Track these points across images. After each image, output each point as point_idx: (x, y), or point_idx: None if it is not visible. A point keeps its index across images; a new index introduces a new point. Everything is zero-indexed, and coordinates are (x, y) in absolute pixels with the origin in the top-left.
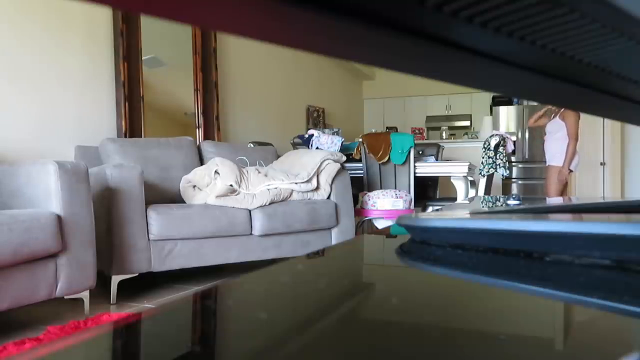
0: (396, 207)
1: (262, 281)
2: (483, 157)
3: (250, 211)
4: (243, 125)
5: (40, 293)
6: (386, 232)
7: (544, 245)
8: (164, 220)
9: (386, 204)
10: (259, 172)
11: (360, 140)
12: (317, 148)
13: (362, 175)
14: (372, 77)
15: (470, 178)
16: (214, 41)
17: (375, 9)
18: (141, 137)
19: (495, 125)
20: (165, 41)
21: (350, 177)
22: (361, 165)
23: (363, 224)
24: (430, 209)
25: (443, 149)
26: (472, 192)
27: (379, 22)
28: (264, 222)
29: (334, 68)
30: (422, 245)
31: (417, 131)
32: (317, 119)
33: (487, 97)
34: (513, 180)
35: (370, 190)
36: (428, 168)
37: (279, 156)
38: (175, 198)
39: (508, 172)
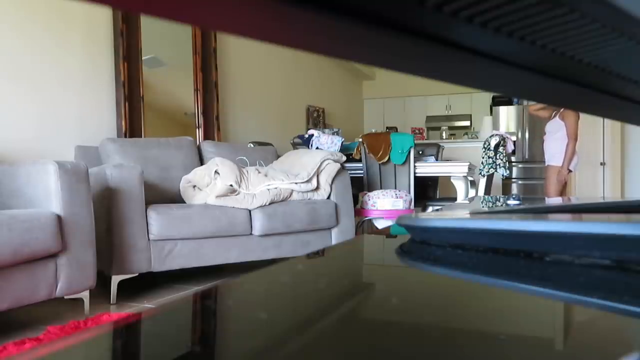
0: (396, 207)
1: (262, 281)
2: (483, 157)
3: (250, 211)
4: (243, 125)
5: (40, 293)
6: (386, 232)
7: (544, 245)
8: (164, 220)
9: (386, 204)
10: (259, 172)
11: (360, 140)
12: (317, 148)
13: (362, 175)
14: (372, 77)
15: (470, 178)
16: (214, 41)
17: (375, 9)
18: (141, 137)
19: (495, 125)
20: (165, 41)
21: (350, 177)
22: (361, 165)
23: (363, 224)
24: (430, 209)
25: (443, 149)
26: (472, 192)
27: (379, 22)
28: (264, 222)
29: (334, 68)
30: (422, 245)
31: (417, 131)
32: (317, 119)
33: (487, 97)
34: (513, 180)
35: (370, 190)
36: (428, 168)
37: (279, 156)
38: (175, 198)
39: (508, 172)
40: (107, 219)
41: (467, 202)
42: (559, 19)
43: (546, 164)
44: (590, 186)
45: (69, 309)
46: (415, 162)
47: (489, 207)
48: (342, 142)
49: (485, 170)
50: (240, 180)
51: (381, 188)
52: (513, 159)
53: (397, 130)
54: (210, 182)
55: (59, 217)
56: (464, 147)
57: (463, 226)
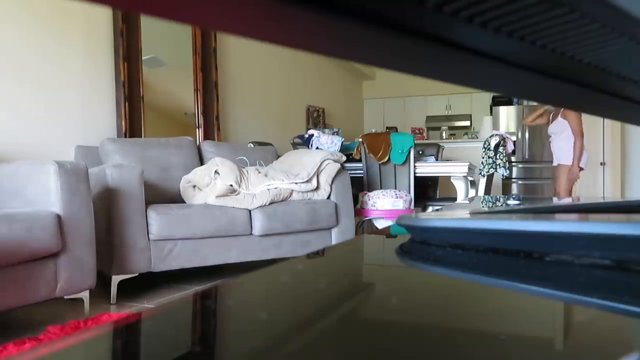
0: (396, 207)
1: (262, 281)
2: (483, 157)
3: (250, 211)
4: (243, 125)
5: (40, 293)
6: (386, 232)
7: (544, 245)
8: (164, 220)
9: (386, 204)
10: (259, 172)
11: (360, 140)
12: (317, 148)
13: (362, 175)
14: (372, 77)
15: (470, 178)
16: (214, 41)
17: (375, 9)
18: (141, 137)
19: (495, 125)
20: (165, 41)
21: (350, 177)
22: (361, 165)
23: (363, 224)
24: (430, 209)
25: (443, 149)
26: (472, 192)
27: (379, 22)
28: (264, 222)
29: (334, 68)
30: (422, 245)
31: (417, 131)
32: (317, 119)
33: (487, 97)
34: (513, 180)
35: (370, 190)
36: (428, 168)
37: (279, 156)
38: (175, 198)
39: (508, 172)
40: (107, 219)
41: (467, 202)
42: (559, 19)
43: (555, 164)
44: (590, 186)
45: (69, 309)
46: (415, 162)
47: (489, 207)
48: (342, 142)
49: (485, 170)
50: (240, 180)
51: (381, 188)
52: (513, 159)
53: (397, 130)
54: (210, 182)
55: (59, 217)
56: (464, 147)
57: (463, 226)
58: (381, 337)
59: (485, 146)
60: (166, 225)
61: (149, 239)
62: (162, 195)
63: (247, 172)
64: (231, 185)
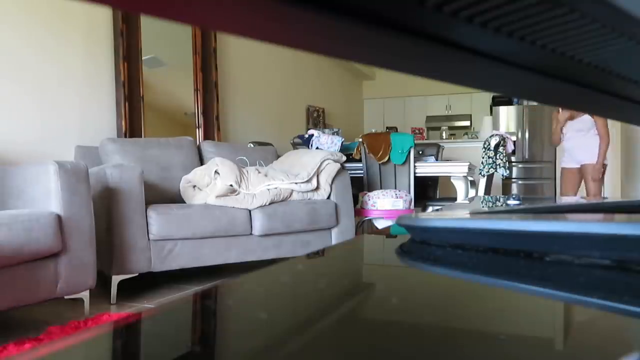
0: (396, 207)
1: (262, 281)
2: (483, 157)
3: (250, 211)
4: (243, 125)
5: (41, 293)
6: (386, 232)
7: (544, 245)
8: (164, 220)
9: (386, 204)
10: (259, 172)
11: (360, 140)
12: (317, 148)
13: (362, 175)
14: (372, 77)
15: (470, 178)
16: (214, 41)
17: (375, 9)
18: (141, 137)
19: (495, 125)
20: (165, 41)
21: (350, 177)
22: (361, 165)
23: (363, 224)
24: (430, 209)
25: (443, 149)
26: (472, 192)
27: (379, 22)
28: (264, 222)
29: (334, 68)
30: (422, 245)
31: (417, 131)
32: (317, 119)
33: (487, 97)
34: (513, 180)
35: (370, 190)
36: (428, 168)
37: (279, 156)
38: (175, 198)
39: (508, 172)
40: (107, 219)
41: (467, 202)
42: (559, 19)
43: (577, 165)
44: None
45: (69, 309)
46: (415, 162)
47: (489, 207)
48: (342, 142)
49: (485, 170)
50: (240, 180)
51: (381, 188)
52: (513, 159)
53: (397, 130)
54: (210, 182)
55: (59, 217)
56: (464, 147)
57: (463, 226)
58: (381, 337)
59: (485, 146)
60: (166, 225)
61: (149, 239)
62: (162, 195)
63: (247, 172)
64: (231, 185)
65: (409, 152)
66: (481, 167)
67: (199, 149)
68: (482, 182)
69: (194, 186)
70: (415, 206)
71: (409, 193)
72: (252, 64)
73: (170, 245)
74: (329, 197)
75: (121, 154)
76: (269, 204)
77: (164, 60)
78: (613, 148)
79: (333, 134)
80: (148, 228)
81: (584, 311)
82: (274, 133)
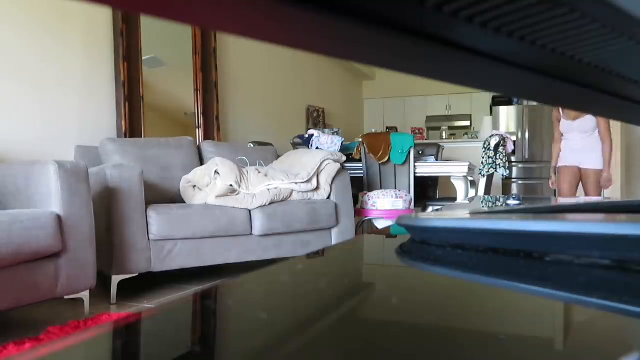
0: (396, 207)
1: (262, 281)
2: (483, 157)
3: (250, 211)
4: (243, 125)
5: (40, 293)
6: (386, 232)
7: (544, 245)
8: (164, 220)
9: (386, 204)
10: (259, 172)
11: (360, 140)
12: (317, 148)
13: (362, 175)
14: (372, 77)
15: (470, 178)
16: (214, 41)
17: (375, 9)
18: (141, 137)
19: (495, 125)
20: (165, 41)
21: (350, 177)
22: (361, 165)
23: (363, 224)
24: (430, 209)
25: (443, 149)
26: (472, 192)
27: (379, 22)
28: (264, 222)
29: (334, 68)
30: (422, 245)
31: (417, 131)
32: (317, 119)
33: (487, 97)
34: (513, 180)
35: (370, 190)
36: (428, 168)
37: (279, 156)
38: (175, 198)
39: (508, 172)
40: (107, 219)
41: (467, 202)
42: (559, 19)
43: (584, 168)
44: None
45: (69, 309)
46: (415, 162)
47: (489, 207)
48: (342, 142)
49: (485, 170)
50: (240, 180)
51: (381, 188)
52: (513, 159)
53: (397, 130)
54: (210, 182)
55: (59, 217)
56: (464, 147)
57: (463, 226)
58: (381, 337)
59: (485, 146)
60: (166, 225)
61: (149, 239)
62: (162, 195)
63: (247, 172)
64: (231, 185)
65: (409, 152)
66: (481, 167)
67: (199, 149)
68: (482, 182)
69: (194, 186)
70: (415, 206)
71: (409, 193)
72: (252, 64)
73: (170, 245)
74: (329, 197)
75: (121, 154)
76: (269, 204)
77: (164, 60)
78: (613, 148)
79: (333, 134)
80: (148, 228)
81: (584, 311)
82: (274, 133)
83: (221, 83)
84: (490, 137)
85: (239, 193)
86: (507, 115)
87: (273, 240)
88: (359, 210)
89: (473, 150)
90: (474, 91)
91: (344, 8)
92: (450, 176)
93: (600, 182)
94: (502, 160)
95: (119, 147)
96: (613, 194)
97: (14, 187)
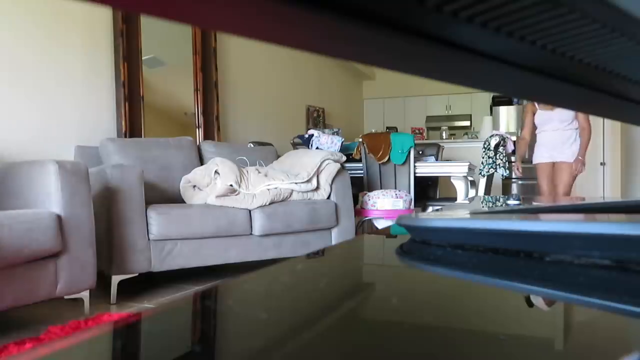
0: (396, 207)
1: (262, 281)
2: (483, 157)
3: (250, 211)
4: (243, 125)
5: (40, 293)
6: (386, 232)
7: (544, 245)
8: (164, 220)
9: (386, 204)
10: (259, 172)
11: (360, 140)
12: (317, 148)
13: (362, 175)
14: (372, 77)
15: (470, 178)
16: (214, 41)
17: (375, 9)
18: (141, 137)
19: (495, 125)
20: (165, 41)
21: (350, 177)
22: (361, 165)
23: (363, 224)
24: (430, 209)
25: (443, 149)
26: (472, 192)
27: (378, 22)
28: (264, 222)
29: (334, 68)
30: (422, 245)
31: (417, 131)
32: (317, 119)
33: (487, 97)
34: (513, 180)
35: (370, 190)
36: (428, 168)
37: (279, 156)
38: (175, 198)
39: (508, 172)
40: (107, 219)
41: (467, 202)
42: (558, 19)
43: (558, 161)
44: (591, 186)
45: (69, 309)
46: (415, 162)
47: (489, 207)
48: (342, 142)
49: (485, 170)
50: (240, 180)
51: (381, 188)
52: (513, 159)
53: (397, 130)
54: (210, 182)
55: (59, 217)
56: (464, 147)
57: (463, 226)
58: (381, 337)
59: (485, 146)
60: (166, 225)
61: (149, 239)
62: (162, 195)
63: (247, 172)
64: (231, 185)
65: (409, 152)
66: (481, 167)
67: (199, 149)
68: (482, 182)
69: (194, 186)
70: (415, 206)
71: (409, 193)
72: (252, 64)
73: (170, 245)
74: (329, 197)
75: (121, 154)
76: (269, 204)
77: (164, 60)
78: (613, 148)
79: (333, 134)
80: (148, 228)
81: (584, 311)
82: (274, 133)
83: (221, 83)
84: (490, 137)
85: (239, 193)
86: (507, 115)
87: (273, 240)
88: (359, 210)
89: (473, 150)
90: (474, 91)
91: (344, 8)
92: (450, 176)
93: (573, 166)
94: (502, 160)
95: (119, 147)
96: (613, 193)
97: (14, 187)
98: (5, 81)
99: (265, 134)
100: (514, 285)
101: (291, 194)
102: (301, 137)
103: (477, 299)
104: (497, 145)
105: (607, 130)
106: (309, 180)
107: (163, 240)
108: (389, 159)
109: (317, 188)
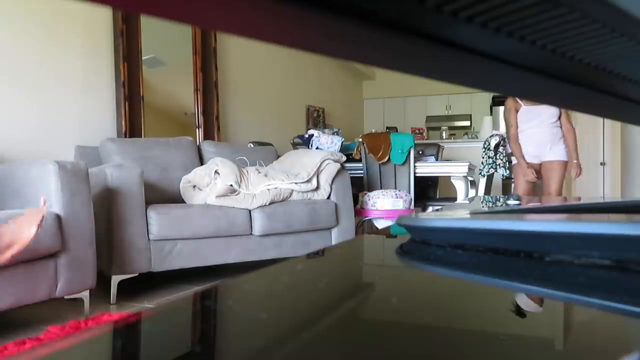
0: (396, 207)
1: (262, 281)
2: (483, 157)
3: (250, 211)
4: (243, 125)
5: (40, 293)
6: (386, 232)
7: (544, 245)
8: (164, 220)
9: (386, 204)
10: (259, 172)
11: (360, 140)
12: (317, 148)
13: (362, 175)
14: (372, 77)
15: (470, 178)
16: (214, 41)
17: (374, 9)
18: (141, 137)
19: (495, 125)
20: (165, 41)
21: (350, 177)
22: (361, 165)
23: (363, 224)
24: (430, 209)
25: (443, 149)
26: (472, 192)
27: (378, 22)
28: (264, 222)
29: (334, 68)
30: (422, 245)
31: (417, 131)
32: (317, 119)
33: (487, 97)
34: (513, 180)
35: (370, 190)
36: (428, 168)
37: (279, 156)
38: (175, 198)
39: (508, 172)
40: (107, 219)
41: (467, 202)
42: (558, 19)
43: (548, 160)
44: (591, 186)
45: (69, 309)
46: (415, 162)
47: (489, 207)
48: (342, 142)
49: (485, 170)
50: (240, 180)
51: (381, 188)
52: (513, 160)
53: (397, 130)
54: (210, 182)
55: (58, 217)
56: (464, 147)
57: (463, 226)
58: (381, 337)
59: (485, 146)
60: (166, 225)
61: (149, 239)
62: (162, 195)
63: (247, 172)
64: (231, 185)
65: (409, 152)
66: (481, 167)
67: (199, 149)
68: (482, 182)
69: (194, 186)
70: (415, 206)
71: (409, 193)
72: (252, 64)
73: (170, 245)
74: (329, 197)
75: (121, 154)
76: (269, 204)
77: (164, 60)
78: (613, 148)
79: (333, 134)
80: (148, 228)
81: (584, 311)
82: (274, 133)
83: (221, 83)
84: (490, 137)
85: (239, 193)
86: None
87: (273, 240)
88: (359, 210)
89: (473, 150)
90: (474, 91)
91: (344, 8)
92: (450, 176)
93: (572, 171)
94: (502, 160)
95: (119, 147)
96: (613, 193)
97: (13, 187)
98: (5, 81)
99: (265, 134)
100: (514, 285)
101: (291, 194)
102: (301, 137)
103: (477, 299)
104: (497, 145)
105: (607, 130)
106: (309, 180)
107: (163, 240)
108: (389, 159)
109: (317, 188)
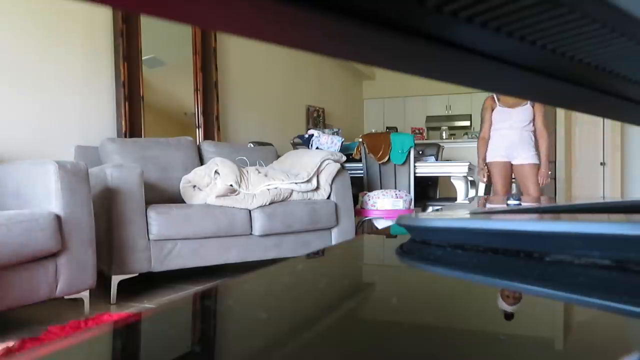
0: (396, 207)
1: (262, 281)
2: None
3: (250, 211)
4: (243, 125)
5: (40, 293)
6: (386, 232)
7: (544, 245)
8: (164, 220)
9: (386, 204)
10: (259, 172)
11: (360, 140)
12: (317, 148)
13: (362, 175)
14: (372, 77)
15: (470, 178)
16: (214, 41)
17: (375, 9)
18: (141, 137)
19: None
20: (165, 41)
21: (350, 177)
22: (361, 165)
23: (363, 224)
24: (430, 209)
25: (443, 149)
26: (472, 192)
27: (379, 22)
28: (264, 222)
29: (334, 68)
30: (422, 245)
31: (417, 131)
32: (317, 119)
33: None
34: (513, 180)
35: (370, 190)
36: (428, 168)
37: (279, 156)
38: (175, 198)
39: None
40: (107, 219)
41: (467, 202)
42: (559, 19)
43: (520, 163)
44: (591, 186)
45: (69, 309)
46: (415, 162)
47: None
48: (342, 142)
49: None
50: (240, 180)
51: (381, 188)
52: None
53: (397, 130)
54: (210, 182)
55: (58, 217)
56: (464, 147)
57: (463, 226)
58: (381, 337)
59: None
60: (166, 225)
61: (149, 239)
62: (162, 195)
63: (247, 172)
64: (231, 185)
65: (409, 152)
66: None
67: (199, 149)
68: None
69: (194, 186)
70: (415, 206)
71: (409, 193)
72: (252, 64)
73: (170, 245)
74: (329, 197)
75: (121, 154)
76: (269, 204)
77: (164, 60)
78: (613, 148)
79: (333, 134)
80: (148, 228)
81: (584, 311)
82: (274, 133)
83: (221, 83)
84: None
85: (239, 193)
86: None
87: (273, 240)
88: (359, 210)
89: (473, 150)
90: (474, 91)
91: (344, 8)
92: (450, 176)
93: (539, 178)
94: None
95: (119, 147)
96: (613, 193)
97: (13, 187)
98: (5, 81)
99: (265, 134)
100: (514, 285)
101: (291, 194)
102: (301, 137)
103: (477, 299)
104: None
105: (607, 130)
106: (309, 180)
107: (163, 240)
108: (389, 159)
109: (317, 188)
